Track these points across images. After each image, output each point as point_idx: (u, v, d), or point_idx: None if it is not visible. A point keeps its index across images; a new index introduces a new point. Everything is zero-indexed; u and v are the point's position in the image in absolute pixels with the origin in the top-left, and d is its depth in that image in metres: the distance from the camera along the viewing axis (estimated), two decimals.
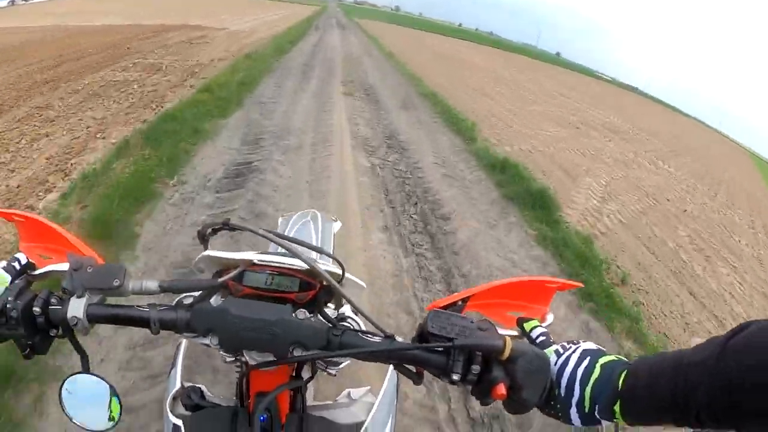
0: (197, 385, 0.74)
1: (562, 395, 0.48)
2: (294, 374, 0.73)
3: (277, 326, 0.52)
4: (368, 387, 0.81)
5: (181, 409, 0.71)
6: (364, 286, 0.61)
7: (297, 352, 0.53)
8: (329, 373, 0.80)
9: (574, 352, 0.50)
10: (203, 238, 0.61)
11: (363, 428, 0.70)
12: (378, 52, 15.35)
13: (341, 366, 0.77)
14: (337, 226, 1.47)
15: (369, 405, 0.76)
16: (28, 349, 0.53)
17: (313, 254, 0.65)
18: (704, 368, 0.37)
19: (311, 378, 0.75)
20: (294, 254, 0.55)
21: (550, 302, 0.68)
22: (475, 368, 0.49)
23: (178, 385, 0.74)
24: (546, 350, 0.53)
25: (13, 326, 0.51)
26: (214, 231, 0.61)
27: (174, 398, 0.72)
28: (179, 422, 0.66)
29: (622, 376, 0.45)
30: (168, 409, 0.70)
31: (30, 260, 0.62)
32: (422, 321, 0.53)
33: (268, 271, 0.59)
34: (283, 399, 0.68)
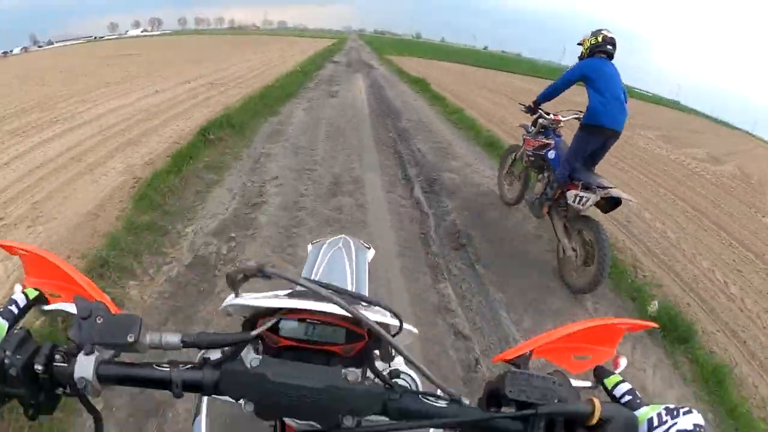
0: None
1: None
2: None
3: (325, 393, 0.44)
4: None
5: None
6: (416, 332, 0.57)
7: (348, 421, 0.45)
8: None
9: (669, 429, 0.42)
10: (233, 284, 0.50)
11: None
12: None
13: None
14: (371, 254, 1.33)
15: None
16: (32, 410, 0.46)
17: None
18: None
19: None
20: (344, 307, 0.44)
21: (618, 344, 0.63)
22: None
23: None
24: (637, 413, 0.44)
25: (10, 385, 0.44)
26: (246, 277, 0.49)
27: None
28: None
29: None
30: None
31: (41, 292, 0.58)
32: (493, 379, 0.46)
33: (308, 319, 0.53)
34: None
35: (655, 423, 0.43)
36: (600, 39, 3.00)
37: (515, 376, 0.44)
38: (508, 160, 4.20)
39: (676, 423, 0.42)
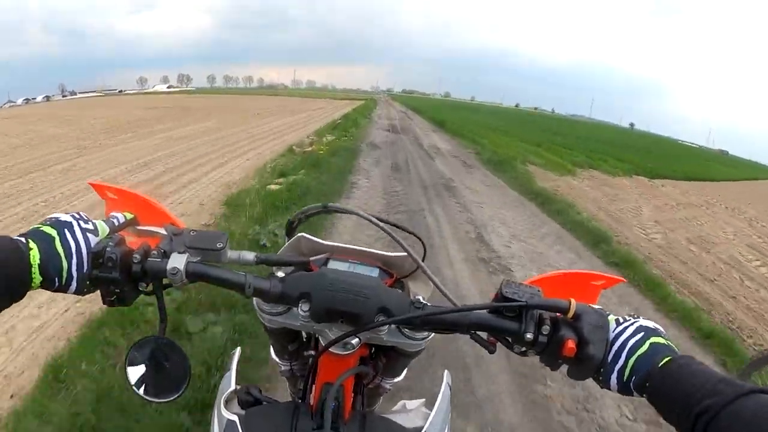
0: (254, 384, 0.73)
1: (609, 359, 0.50)
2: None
3: (368, 290, 0.54)
4: (423, 399, 0.82)
5: (236, 408, 0.69)
6: (437, 282, 0.64)
7: (381, 319, 0.55)
8: (384, 388, 0.89)
9: (631, 324, 0.52)
10: (292, 226, 0.72)
11: None
12: None
13: (398, 379, 0.89)
14: None
15: (425, 414, 0.75)
16: (114, 297, 0.53)
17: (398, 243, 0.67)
18: (725, 415, 0.39)
19: (369, 383, 0.84)
20: (395, 239, 0.63)
21: (597, 301, 0.71)
22: (545, 329, 0.51)
23: (232, 387, 0.74)
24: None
25: (108, 269, 0.51)
26: (307, 216, 0.70)
27: (227, 401, 0.71)
28: (234, 418, 0.64)
29: (664, 360, 0.47)
30: (222, 407, 0.68)
31: (135, 216, 0.66)
32: (495, 291, 0.56)
33: (350, 260, 0.69)
34: (346, 401, 0.68)
35: (621, 321, 0.53)
36: None
37: (509, 284, 0.55)
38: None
39: (638, 320, 0.52)
